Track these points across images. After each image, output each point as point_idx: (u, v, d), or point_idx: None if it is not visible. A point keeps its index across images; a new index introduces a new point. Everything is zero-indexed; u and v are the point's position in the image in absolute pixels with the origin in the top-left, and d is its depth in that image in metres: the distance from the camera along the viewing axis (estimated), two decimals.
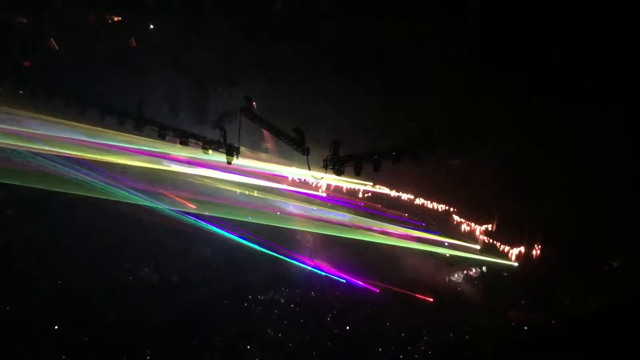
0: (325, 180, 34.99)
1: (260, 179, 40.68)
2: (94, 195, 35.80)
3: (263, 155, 38.44)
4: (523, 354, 28.24)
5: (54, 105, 32.02)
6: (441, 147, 27.43)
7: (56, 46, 30.89)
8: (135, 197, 37.39)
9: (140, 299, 31.17)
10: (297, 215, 41.98)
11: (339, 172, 27.32)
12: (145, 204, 37.62)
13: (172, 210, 38.06)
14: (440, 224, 41.23)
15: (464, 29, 25.27)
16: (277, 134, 28.47)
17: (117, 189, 36.99)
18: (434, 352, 30.31)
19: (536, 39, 23.59)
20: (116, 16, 31.80)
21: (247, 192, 42.18)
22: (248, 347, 29.33)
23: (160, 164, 38.86)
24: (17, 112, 33.86)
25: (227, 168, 32.41)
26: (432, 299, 35.50)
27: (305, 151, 27.46)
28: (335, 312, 33.78)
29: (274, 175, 40.84)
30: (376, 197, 42.84)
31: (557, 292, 33.23)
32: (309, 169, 28.06)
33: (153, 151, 36.72)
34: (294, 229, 40.55)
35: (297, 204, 42.32)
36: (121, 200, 36.77)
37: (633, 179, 26.39)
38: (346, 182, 40.87)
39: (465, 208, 39.60)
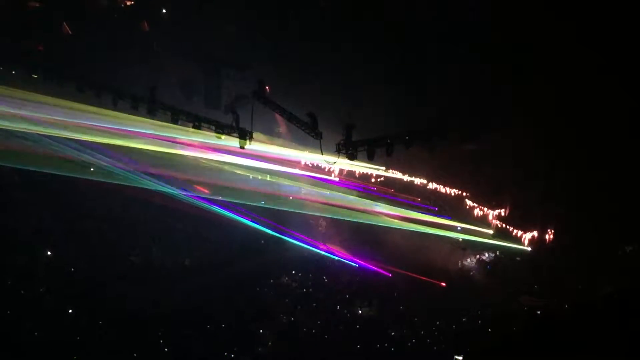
0: (338, 164, 34.89)
1: (273, 163, 40.62)
2: (106, 180, 35.89)
3: (276, 140, 38.40)
4: (536, 338, 28.26)
5: (66, 90, 32.06)
6: (454, 132, 27.35)
7: (69, 30, 30.90)
8: (147, 181, 37.45)
9: (152, 283, 31.30)
10: (310, 199, 41.96)
11: (351, 157, 27.28)
12: (157, 188, 37.69)
13: (184, 194, 38.12)
14: (452, 209, 41.07)
15: (480, 13, 25.14)
16: (290, 118, 28.40)
17: (129, 173, 37.06)
18: (447, 336, 30.36)
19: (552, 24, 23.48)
20: (129, 0, 31.77)
21: (259, 177, 42.16)
22: (260, 331, 29.47)
23: (173, 148, 38.85)
24: (30, 96, 33.88)
25: (240, 152, 32.34)
26: (444, 283, 35.44)
27: (318, 135, 27.40)
28: (347, 296, 33.87)
29: (287, 159, 40.77)
30: (389, 181, 42.72)
31: (570, 277, 33.18)
32: (322, 154, 28.01)
33: (165, 135, 36.71)
34: (306, 213, 40.54)
35: (310, 188, 42.26)
36: (133, 184, 36.84)
37: None
38: (359, 167, 40.77)
39: (479, 193, 39.46)
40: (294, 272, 35.70)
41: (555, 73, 24.81)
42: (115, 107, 31.87)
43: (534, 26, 24.00)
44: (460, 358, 28.08)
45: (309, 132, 27.70)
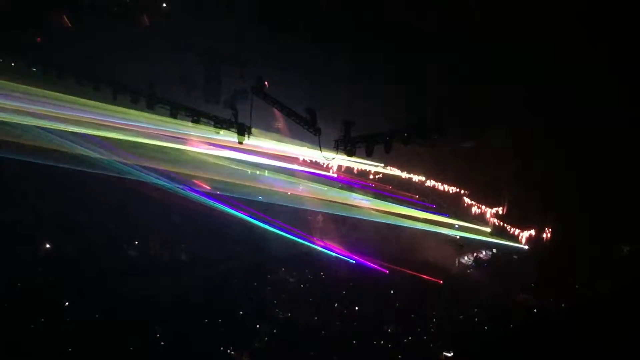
0: (336, 160, 34.89)
1: (272, 159, 40.59)
2: (105, 173, 35.86)
3: (274, 135, 38.34)
4: (532, 336, 28.30)
5: (66, 83, 32.00)
6: (453, 130, 27.32)
7: (69, 23, 30.80)
8: (146, 175, 37.44)
9: (149, 277, 31.34)
10: (308, 195, 41.97)
11: (350, 153, 27.25)
12: (155, 182, 37.68)
13: (182, 189, 38.11)
14: (450, 206, 41.14)
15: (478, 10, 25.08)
16: (289, 114, 28.34)
17: (128, 167, 37.04)
18: (443, 333, 30.39)
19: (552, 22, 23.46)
20: None
21: (258, 172, 42.15)
22: (257, 326, 29.49)
23: (172, 142, 38.79)
24: (29, 89, 33.82)
25: (238, 147, 32.32)
26: (441, 281, 35.50)
27: (317, 131, 27.37)
28: (344, 292, 33.89)
29: (285, 155, 40.73)
30: (387, 178, 42.76)
31: (567, 275, 33.22)
32: (320, 150, 27.99)
33: (164, 129, 36.64)
34: (304, 209, 40.57)
35: (308, 184, 42.28)
36: (131, 178, 36.82)
37: None
38: (357, 163, 40.77)
39: (477, 191, 39.51)
40: (291, 267, 35.73)
41: (555, 71, 24.76)
42: (114, 101, 31.81)
43: (534, 24, 23.95)
44: (450, 355, 28.15)
45: (307, 128, 27.65)
